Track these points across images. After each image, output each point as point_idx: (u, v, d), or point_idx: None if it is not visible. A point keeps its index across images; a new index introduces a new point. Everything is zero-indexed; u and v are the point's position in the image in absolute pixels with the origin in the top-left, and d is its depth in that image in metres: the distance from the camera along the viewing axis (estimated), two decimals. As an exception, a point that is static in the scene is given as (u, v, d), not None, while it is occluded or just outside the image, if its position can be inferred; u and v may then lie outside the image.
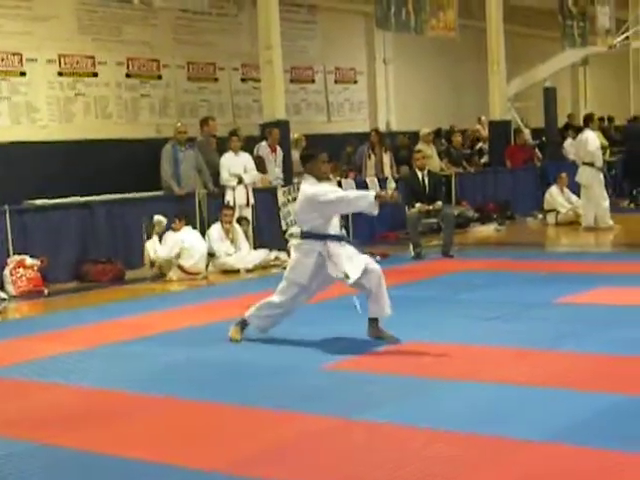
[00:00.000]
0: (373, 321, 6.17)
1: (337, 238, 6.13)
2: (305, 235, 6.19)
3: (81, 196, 10.71)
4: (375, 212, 6.03)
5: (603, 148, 14.27)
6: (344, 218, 11.42)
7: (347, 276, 5.95)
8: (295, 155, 12.80)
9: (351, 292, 6.42)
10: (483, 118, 17.35)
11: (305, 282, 6.13)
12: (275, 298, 6.27)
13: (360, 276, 5.98)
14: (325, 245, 6.04)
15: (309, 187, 6.12)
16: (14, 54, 12.49)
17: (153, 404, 5.00)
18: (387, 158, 14.09)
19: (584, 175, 12.85)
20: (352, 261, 6.01)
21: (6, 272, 9.14)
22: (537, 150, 16.98)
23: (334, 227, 6.16)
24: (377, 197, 5.96)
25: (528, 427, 4.16)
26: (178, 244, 9.80)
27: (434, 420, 4.35)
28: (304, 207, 6.13)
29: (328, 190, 6.06)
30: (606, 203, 12.79)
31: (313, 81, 16.84)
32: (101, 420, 4.71)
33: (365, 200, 6.02)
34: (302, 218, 6.22)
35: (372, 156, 14.09)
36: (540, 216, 14.68)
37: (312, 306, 6.44)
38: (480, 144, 17.19)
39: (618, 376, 5.05)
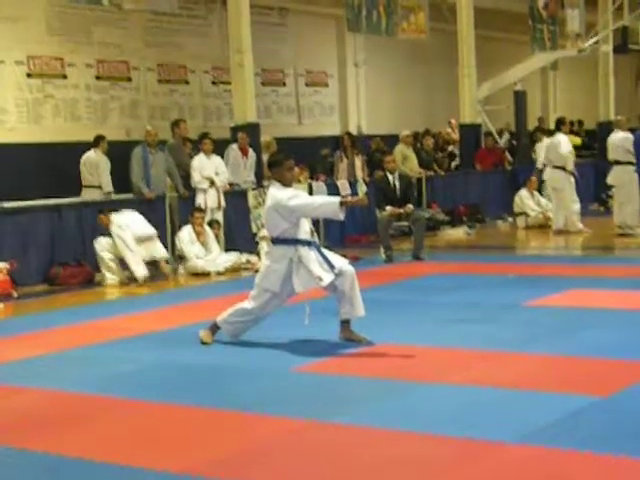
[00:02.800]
0: (345, 323, 6.17)
1: (307, 243, 6.12)
2: (275, 241, 6.19)
3: (50, 199, 10.61)
4: (341, 217, 6.04)
5: (576, 149, 14.36)
6: (314, 221, 11.42)
7: (320, 279, 5.95)
8: (265, 158, 12.80)
9: (320, 296, 6.41)
10: (453, 121, 17.44)
11: (276, 289, 6.12)
12: (246, 304, 6.25)
13: (334, 278, 5.98)
14: (296, 250, 6.03)
15: (276, 192, 6.12)
16: (-19, 55, 12.37)
17: (123, 407, 4.96)
18: (359, 161, 14.13)
19: (555, 178, 12.95)
20: (323, 264, 6.01)
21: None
22: (507, 153, 17.10)
23: (304, 232, 6.15)
24: (343, 203, 5.97)
25: (498, 429, 4.17)
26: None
27: (404, 422, 4.36)
28: (271, 213, 6.12)
29: (293, 195, 6.04)
30: (577, 206, 12.89)
31: (284, 84, 16.86)
32: (70, 423, 4.67)
33: (330, 206, 6.01)
34: (270, 224, 6.21)
35: (344, 159, 14.11)
36: (510, 219, 14.78)
37: (282, 309, 6.43)
38: (451, 147, 17.27)
39: (588, 378, 5.09)
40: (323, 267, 5.99)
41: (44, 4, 12.79)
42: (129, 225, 9.79)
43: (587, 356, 5.56)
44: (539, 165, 14.47)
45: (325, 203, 6.15)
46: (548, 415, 4.35)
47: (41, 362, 6.17)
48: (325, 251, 6.18)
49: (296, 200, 6.01)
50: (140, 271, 9.70)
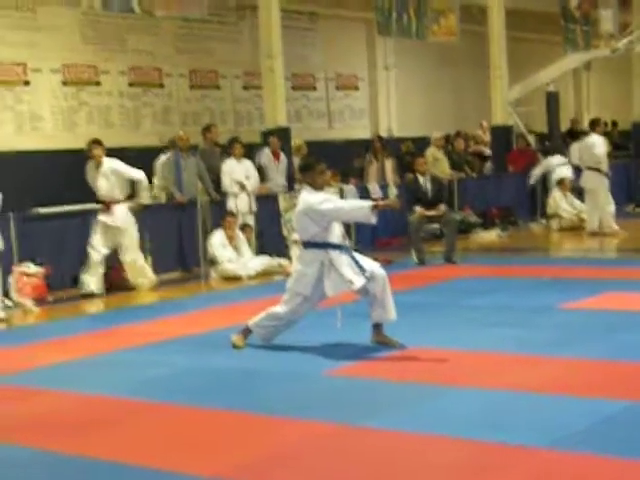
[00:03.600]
0: (377, 326, 6.17)
1: (339, 247, 6.12)
2: (306, 245, 6.20)
3: (84, 204, 10.70)
4: (373, 221, 6.04)
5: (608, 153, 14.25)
6: (345, 225, 11.41)
7: (352, 282, 5.95)
8: (296, 162, 12.83)
9: (352, 299, 6.41)
10: (484, 123, 17.34)
11: (308, 293, 6.13)
12: (278, 309, 6.27)
13: (365, 282, 5.98)
14: (327, 254, 6.04)
15: (307, 196, 6.13)
16: (18, 64, 12.56)
17: (154, 411, 5.00)
18: (389, 164, 14.09)
19: (589, 180, 12.82)
20: (354, 268, 6.00)
21: (11, 280, 9.15)
22: (540, 155, 16.95)
23: (335, 235, 6.15)
24: (375, 207, 5.96)
25: (531, 433, 4.14)
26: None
27: (436, 426, 4.34)
28: (302, 217, 6.14)
29: (324, 200, 6.05)
30: (611, 208, 12.75)
31: (314, 88, 16.88)
32: (102, 427, 4.71)
33: (362, 210, 6.02)
34: (301, 228, 6.22)
35: (374, 162, 14.09)
36: (543, 221, 14.66)
37: (314, 312, 6.43)
38: (484, 149, 17.15)
39: (624, 382, 5.02)
40: (354, 270, 5.99)
41: (78, 13, 12.94)
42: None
43: (622, 360, 5.49)
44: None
45: (357, 207, 6.15)
46: (581, 420, 4.31)
47: (74, 366, 6.24)
48: (356, 254, 6.17)
49: (327, 204, 6.01)
50: None
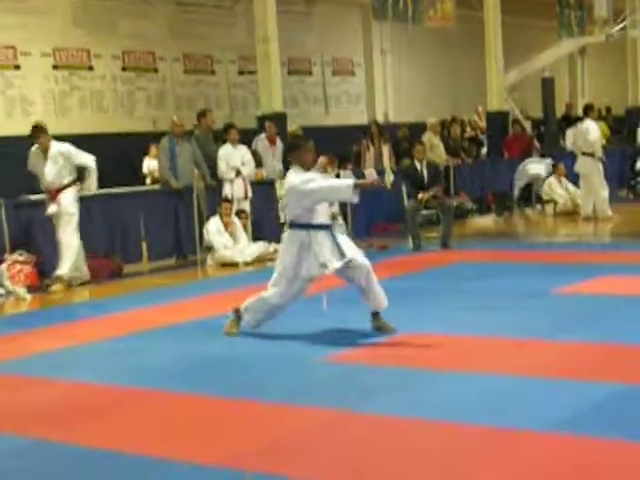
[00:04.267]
0: (374, 314, 6.16)
1: (323, 227, 6.08)
2: (290, 225, 6.17)
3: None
4: (355, 200, 6.02)
5: (604, 137, 14.31)
6: (342, 209, 11.38)
7: (324, 265, 5.92)
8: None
9: (342, 285, 6.39)
10: (480, 109, 17.31)
11: (290, 274, 6.07)
12: (265, 293, 6.22)
13: (341, 267, 5.94)
14: (308, 235, 6.00)
15: (292, 176, 6.10)
16: (8, 47, 12.48)
17: (150, 398, 4.97)
18: (386, 150, 14.06)
19: (584, 165, 12.82)
20: (334, 252, 5.96)
21: (3, 268, 9.10)
22: (535, 140, 16.94)
23: (320, 216, 6.10)
24: (357, 185, 5.95)
25: (529, 417, 4.14)
26: None
27: (434, 411, 4.33)
28: (288, 197, 6.15)
29: (308, 179, 6.00)
30: (605, 193, 12.76)
31: (310, 73, 16.82)
32: (96, 415, 4.69)
33: (343, 189, 5.99)
34: (287, 207, 6.24)
35: (371, 148, 14.06)
36: (538, 206, 14.65)
37: (307, 298, 6.41)
38: (478, 133, 17.14)
39: (618, 365, 5.03)
40: (333, 254, 5.95)
41: (70, -4, 12.87)
42: None
43: (618, 343, 5.49)
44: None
45: (339, 186, 6.12)
46: (578, 403, 4.31)
47: (68, 354, 6.21)
48: (341, 238, 6.13)
49: (311, 184, 5.96)
50: None
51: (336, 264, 5.92)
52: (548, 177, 14.27)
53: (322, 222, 6.10)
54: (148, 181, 12.31)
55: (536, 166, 14.77)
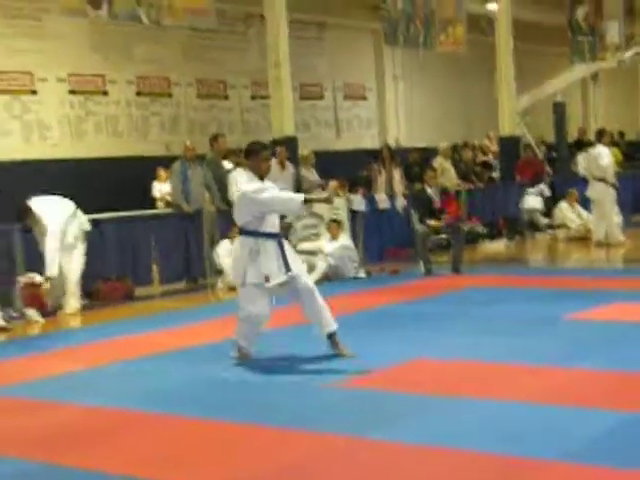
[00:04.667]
0: (330, 337, 6.12)
1: (271, 236, 6.07)
2: (240, 231, 6.21)
3: (92, 214, 10.72)
4: (303, 213, 6.06)
5: (617, 162, 14.32)
6: (354, 233, 11.39)
7: (267, 279, 5.93)
8: (304, 172, 12.83)
9: (353, 311, 6.38)
10: (492, 133, 17.34)
11: (240, 280, 6.08)
12: (240, 306, 6.18)
13: (283, 284, 5.95)
14: (257, 243, 6.03)
15: (245, 183, 6.11)
16: (25, 73, 12.61)
17: (160, 422, 4.97)
18: (397, 174, 14.08)
19: (596, 190, 12.80)
20: (280, 264, 5.97)
21: (16, 290, 9.14)
22: (547, 165, 16.94)
23: (270, 225, 6.10)
24: (307, 200, 6.01)
25: (542, 445, 4.10)
26: None
27: (447, 438, 4.30)
28: (238, 202, 6.16)
29: (262, 188, 6.01)
30: (617, 218, 12.72)
31: (322, 97, 16.90)
32: (107, 439, 4.68)
33: (294, 203, 6.01)
34: (236, 213, 6.21)
35: (382, 172, 14.08)
36: (550, 231, 14.63)
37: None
38: (491, 159, 17.15)
39: (631, 393, 4.99)
40: (279, 267, 5.96)
41: (86, 22, 12.98)
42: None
43: (630, 371, 5.45)
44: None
45: (289, 199, 6.13)
46: (592, 431, 4.27)
47: (79, 377, 6.22)
48: (290, 251, 6.15)
49: (264, 194, 5.98)
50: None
51: (280, 279, 5.94)
52: (551, 204, 14.41)
53: (271, 231, 6.10)
54: (160, 205, 12.37)
55: (533, 199, 14.86)
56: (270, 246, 6.01)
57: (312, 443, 4.41)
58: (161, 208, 12.37)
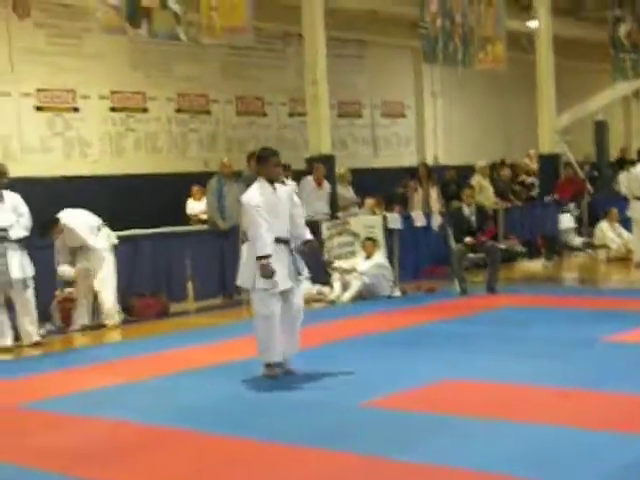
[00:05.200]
0: (286, 361, 6.34)
1: (281, 241, 6.19)
2: (248, 237, 6.35)
3: (132, 229, 10.81)
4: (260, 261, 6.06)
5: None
6: (389, 250, 11.32)
7: (275, 284, 6.07)
8: (341, 189, 12.83)
9: (382, 329, 6.35)
10: (532, 152, 17.20)
11: (249, 285, 6.24)
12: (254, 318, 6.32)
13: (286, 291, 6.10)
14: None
15: (252, 192, 6.25)
16: (68, 91, 12.81)
17: (190, 439, 4.98)
18: (434, 192, 14.01)
19: (637, 210, 12.61)
20: (290, 271, 6.14)
21: (54, 305, 9.26)
22: (588, 184, 16.75)
23: (278, 231, 6.20)
24: (261, 258, 6.02)
25: (573, 471, 4.04)
26: None
27: (475, 461, 4.25)
28: (243, 210, 6.36)
29: (260, 213, 6.09)
30: (658, 238, 12.52)
31: (360, 116, 16.91)
32: (137, 454, 4.72)
33: (259, 249, 6.08)
34: (244, 220, 6.51)
35: (419, 190, 14.03)
36: (590, 251, 14.44)
37: (343, 344, 6.36)
38: (530, 179, 17.01)
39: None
40: (289, 275, 6.12)
41: (126, 41, 13.17)
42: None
43: (667, 396, 5.36)
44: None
45: (260, 244, 6.09)
46: (625, 457, 4.19)
47: (114, 391, 6.27)
48: (299, 262, 6.30)
49: (257, 219, 6.09)
50: None
51: (287, 284, 6.12)
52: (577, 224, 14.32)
53: (279, 236, 6.21)
54: (194, 223, 12.46)
55: (566, 218, 14.76)
56: (281, 251, 6.18)
57: (336, 463, 4.39)
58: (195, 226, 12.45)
